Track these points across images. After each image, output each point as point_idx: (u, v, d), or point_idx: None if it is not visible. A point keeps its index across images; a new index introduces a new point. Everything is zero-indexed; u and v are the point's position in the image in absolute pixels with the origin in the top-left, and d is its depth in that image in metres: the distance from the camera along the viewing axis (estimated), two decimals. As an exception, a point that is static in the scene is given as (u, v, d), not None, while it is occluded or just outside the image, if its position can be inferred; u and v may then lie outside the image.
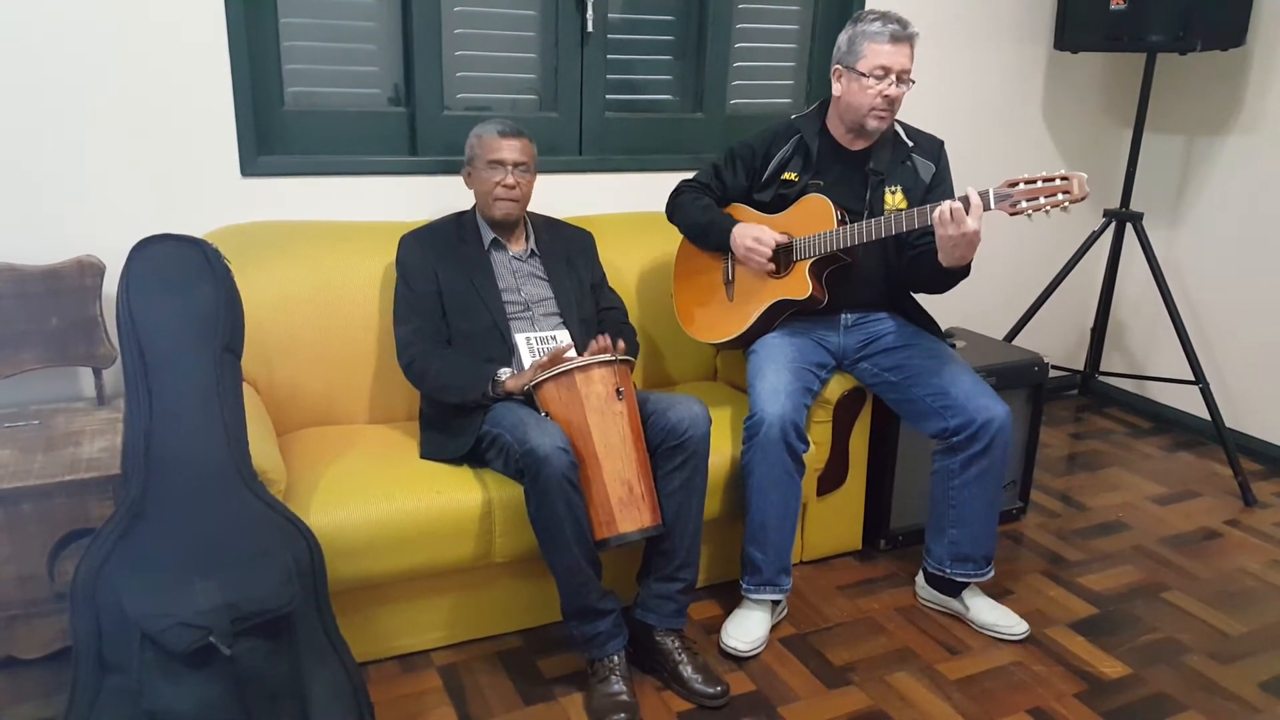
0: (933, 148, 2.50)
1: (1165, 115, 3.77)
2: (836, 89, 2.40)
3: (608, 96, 3.04)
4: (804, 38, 3.31)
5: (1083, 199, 2.05)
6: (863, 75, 2.31)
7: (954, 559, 2.42)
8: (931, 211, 2.15)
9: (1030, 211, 2.07)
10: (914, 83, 2.34)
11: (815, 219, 2.37)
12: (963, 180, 2.50)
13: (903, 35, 2.30)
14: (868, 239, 2.28)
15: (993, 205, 2.11)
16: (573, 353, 2.31)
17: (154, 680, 1.68)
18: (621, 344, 2.22)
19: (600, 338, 2.20)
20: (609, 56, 3.01)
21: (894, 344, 2.50)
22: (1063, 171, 2.05)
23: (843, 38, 2.37)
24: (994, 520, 2.42)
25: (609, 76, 3.03)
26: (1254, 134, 3.49)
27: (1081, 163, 3.87)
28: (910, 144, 2.47)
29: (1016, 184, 2.09)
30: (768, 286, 2.45)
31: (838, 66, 2.38)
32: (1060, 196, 2.04)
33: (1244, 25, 3.24)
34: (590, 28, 2.91)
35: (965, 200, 2.12)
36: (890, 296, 2.56)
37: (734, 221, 2.47)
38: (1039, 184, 2.07)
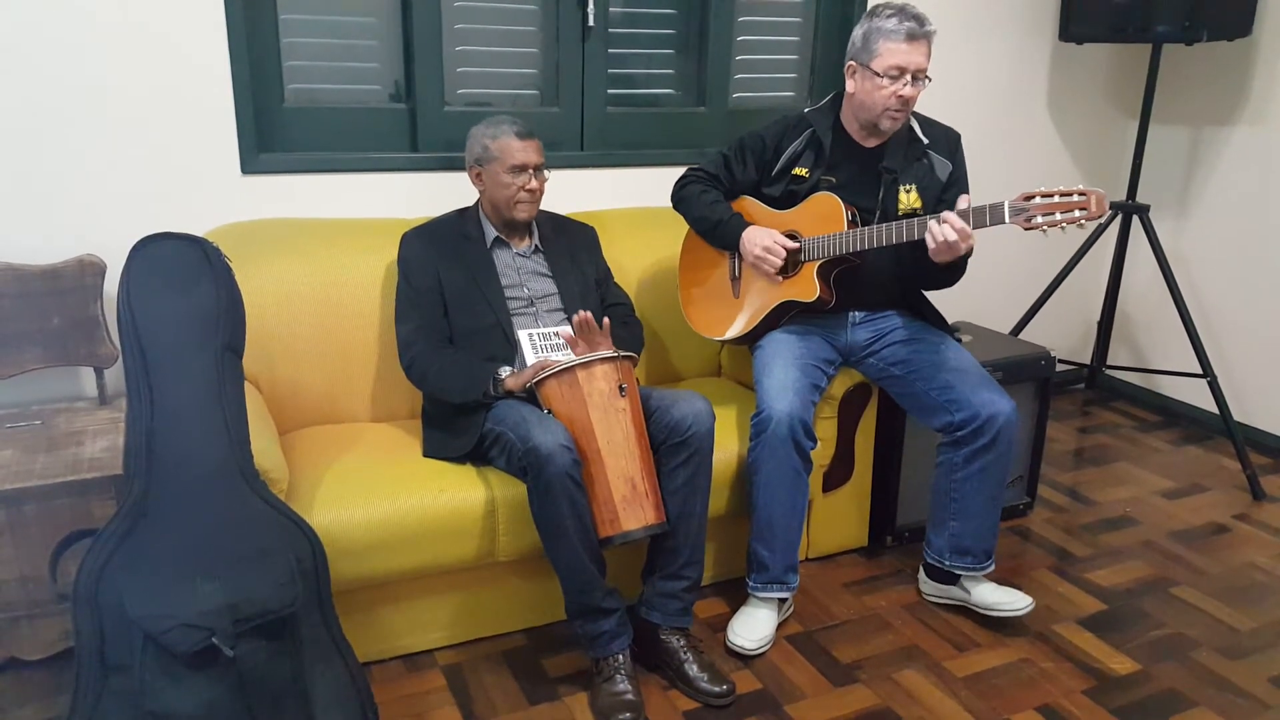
0: (949, 143, 2.44)
1: (1171, 106, 3.75)
2: (850, 86, 2.34)
3: (609, 91, 3.02)
4: (806, 31, 3.29)
5: (1100, 217, 2.02)
6: (877, 75, 2.25)
7: (954, 551, 2.41)
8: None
9: (1046, 227, 2.04)
10: (930, 80, 2.28)
11: (825, 219, 2.34)
12: (971, 176, 2.48)
13: (919, 33, 2.22)
14: (878, 244, 2.25)
15: (1007, 219, 2.07)
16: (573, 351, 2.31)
17: (156, 681, 1.68)
18: (608, 321, 2.20)
19: (581, 312, 2.19)
20: (610, 51, 2.99)
21: (900, 338, 2.48)
22: (1081, 187, 2.01)
23: (857, 33, 2.30)
24: (995, 515, 2.41)
25: (610, 71, 3.01)
26: (1261, 124, 3.46)
27: (1087, 155, 3.85)
28: (925, 141, 2.41)
29: (1033, 197, 2.05)
30: (775, 286, 2.43)
31: (851, 63, 2.31)
32: (1077, 214, 2.01)
33: (1250, 15, 3.22)
34: (591, 22, 2.89)
35: (951, 216, 2.11)
36: (899, 295, 2.53)
37: (745, 224, 2.43)
38: (1056, 199, 2.03)
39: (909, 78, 2.24)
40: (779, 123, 2.49)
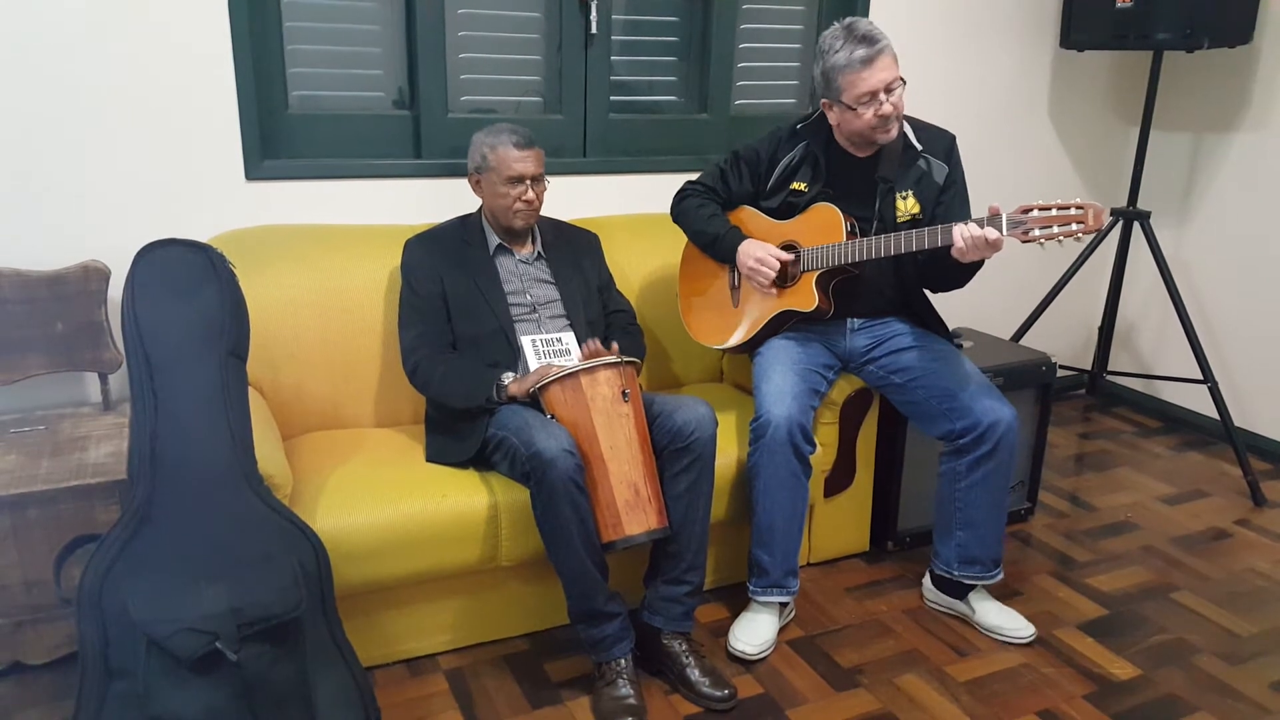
0: (944, 146, 2.43)
1: (1172, 113, 3.76)
2: (832, 118, 2.35)
3: (612, 98, 3.04)
4: (808, 37, 3.30)
5: (1097, 231, 2.02)
6: (850, 107, 2.24)
7: (961, 561, 2.41)
8: (943, 235, 2.13)
9: (1043, 240, 2.05)
10: (905, 82, 2.25)
11: (824, 229, 2.35)
12: (972, 183, 2.49)
13: (873, 54, 2.18)
14: (877, 255, 2.25)
15: (1005, 231, 2.07)
16: (577, 355, 2.32)
17: (160, 686, 1.68)
18: (616, 345, 2.21)
19: (591, 341, 2.19)
20: (613, 58, 3.01)
21: (900, 346, 2.48)
22: (1079, 200, 2.02)
23: (816, 72, 2.29)
24: (1001, 522, 2.41)
25: (613, 78, 3.02)
26: (1262, 131, 3.47)
27: (1088, 161, 3.86)
28: (920, 147, 2.40)
29: (1030, 210, 2.05)
30: (774, 296, 2.44)
31: (824, 100, 2.32)
32: (1074, 227, 2.01)
33: (1251, 22, 3.23)
34: (594, 29, 2.90)
35: (980, 221, 2.09)
36: (899, 302, 2.54)
37: (741, 237, 2.44)
38: (1054, 212, 2.03)
39: (882, 95, 2.22)
40: (772, 135, 2.50)
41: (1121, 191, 3.67)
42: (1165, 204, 3.80)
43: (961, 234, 2.10)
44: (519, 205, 2.33)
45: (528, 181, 2.31)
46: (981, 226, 2.09)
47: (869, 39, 2.19)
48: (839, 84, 2.24)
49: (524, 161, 2.30)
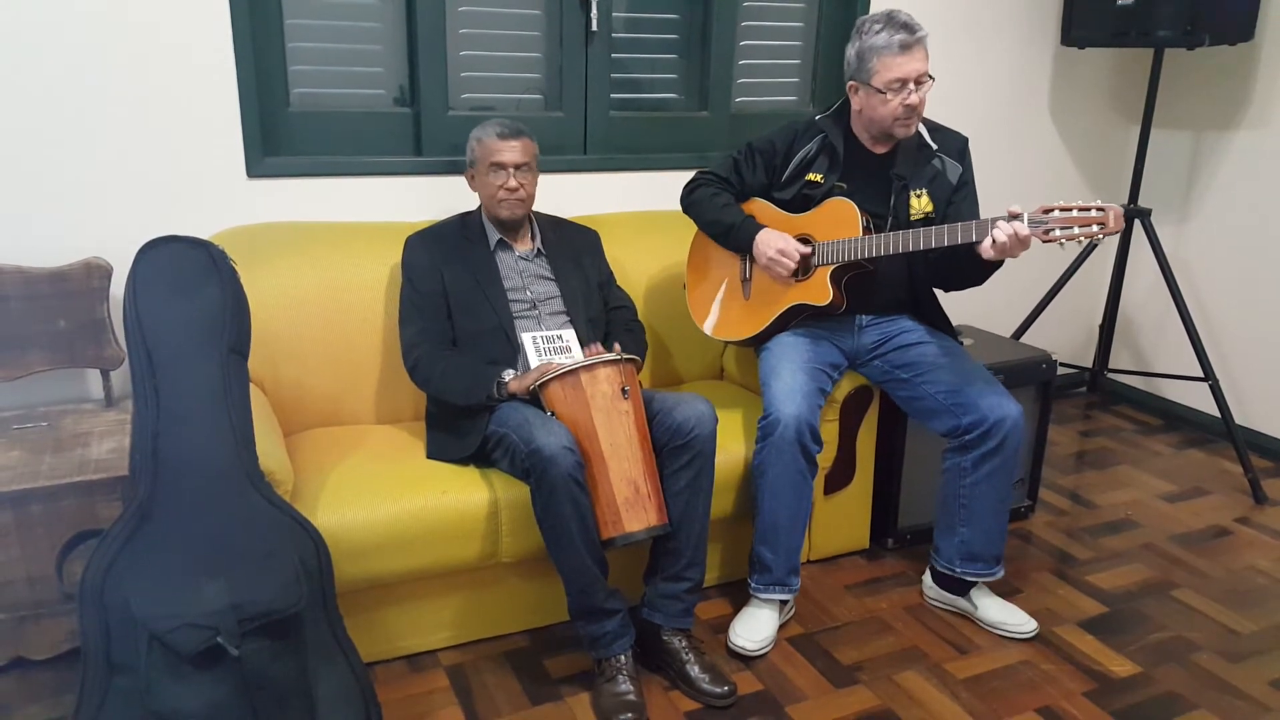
0: (957, 146, 2.44)
1: (1173, 111, 3.76)
2: (855, 103, 2.35)
3: (612, 95, 3.04)
4: (809, 35, 3.30)
5: (1116, 232, 2.04)
6: (879, 91, 2.25)
7: (963, 558, 2.41)
8: (966, 232, 2.13)
9: (1064, 240, 2.05)
10: (934, 79, 2.27)
11: (840, 223, 2.35)
12: (975, 180, 2.49)
13: (912, 41, 2.22)
14: (894, 250, 2.25)
15: (1026, 230, 2.08)
16: (578, 353, 2.32)
17: (161, 681, 1.69)
18: (618, 346, 2.22)
19: (593, 345, 2.20)
20: (613, 55, 3.01)
21: (908, 341, 2.48)
22: (1099, 203, 2.02)
23: (850, 52, 2.31)
24: (1004, 519, 2.41)
25: (613, 75, 3.02)
26: (1263, 129, 3.47)
27: (1089, 159, 3.86)
28: (934, 146, 2.41)
29: (1051, 210, 2.05)
30: (786, 289, 2.44)
31: (852, 82, 2.32)
32: (1095, 228, 2.02)
33: (1253, 19, 3.23)
34: (595, 27, 2.90)
35: (1008, 217, 2.08)
36: (909, 299, 2.54)
37: (758, 226, 2.43)
38: (1074, 213, 2.04)
39: (912, 85, 2.24)
40: (788, 128, 2.50)
41: (1122, 189, 3.67)
42: (1166, 201, 3.80)
43: (1004, 231, 2.07)
44: (502, 194, 2.33)
45: (510, 169, 2.31)
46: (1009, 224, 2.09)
47: (910, 27, 2.23)
48: (873, 65, 2.25)
49: (506, 150, 2.31)
